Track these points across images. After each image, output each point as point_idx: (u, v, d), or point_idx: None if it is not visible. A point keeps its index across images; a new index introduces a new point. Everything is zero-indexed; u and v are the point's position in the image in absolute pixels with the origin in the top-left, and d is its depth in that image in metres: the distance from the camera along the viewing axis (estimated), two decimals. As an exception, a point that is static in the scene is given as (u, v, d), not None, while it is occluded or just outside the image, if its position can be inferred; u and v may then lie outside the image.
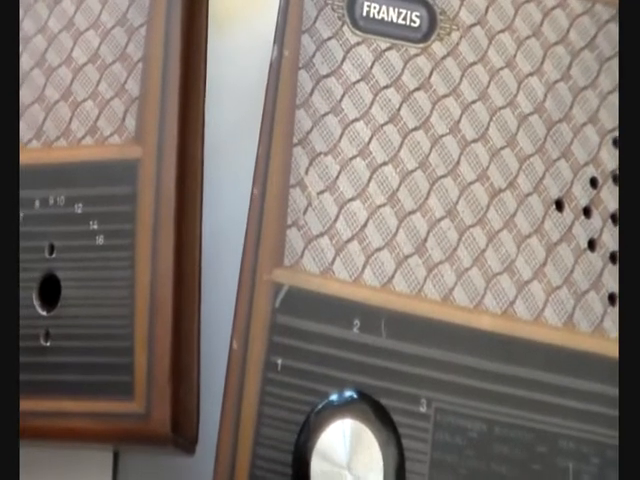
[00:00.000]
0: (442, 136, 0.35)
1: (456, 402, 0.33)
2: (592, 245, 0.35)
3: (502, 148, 0.35)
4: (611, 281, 0.35)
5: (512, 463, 0.32)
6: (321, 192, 0.35)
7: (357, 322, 0.33)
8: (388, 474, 0.30)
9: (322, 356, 0.33)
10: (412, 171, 0.35)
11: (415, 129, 0.35)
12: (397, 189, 0.35)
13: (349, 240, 0.34)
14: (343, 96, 0.35)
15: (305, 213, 0.34)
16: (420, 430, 0.33)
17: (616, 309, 0.35)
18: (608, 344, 0.34)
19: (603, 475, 0.33)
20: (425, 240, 0.34)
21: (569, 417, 0.33)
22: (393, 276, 0.34)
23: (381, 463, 0.30)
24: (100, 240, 0.35)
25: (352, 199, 0.35)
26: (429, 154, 0.35)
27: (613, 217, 0.36)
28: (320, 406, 0.31)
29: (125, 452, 0.41)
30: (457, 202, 0.35)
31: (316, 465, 0.30)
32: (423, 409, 0.33)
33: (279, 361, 0.32)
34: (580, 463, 0.33)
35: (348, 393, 0.32)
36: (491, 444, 0.33)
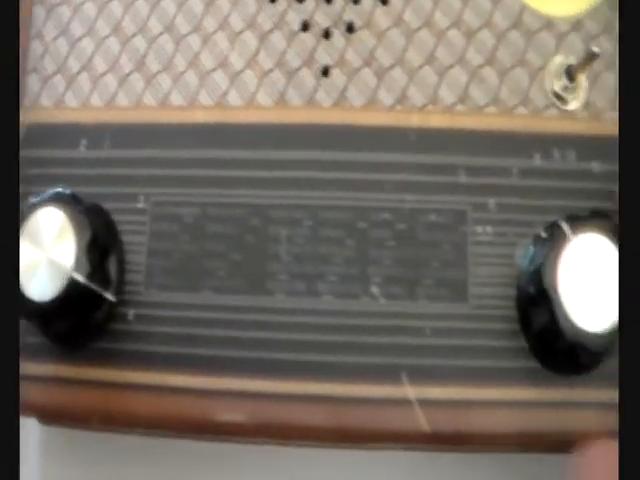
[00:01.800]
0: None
1: (172, 192, 0.34)
2: (306, 26, 0.35)
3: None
4: (324, 55, 0.35)
5: (226, 239, 0.33)
6: (55, 37, 0.38)
7: (84, 141, 0.35)
8: (80, 255, 0.32)
9: (55, 177, 0.36)
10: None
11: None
12: (121, 19, 0.37)
13: (78, 72, 0.37)
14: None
15: (43, 58, 0.38)
16: (139, 224, 0.34)
17: (329, 80, 0.34)
18: (319, 113, 0.34)
19: (316, 234, 0.32)
20: (144, 56, 0.36)
21: (275, 187, 0.33)
22: (116, 93, 0.36)
23: (74, 245, 0.32)
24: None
25: (81, 37, 0.37)
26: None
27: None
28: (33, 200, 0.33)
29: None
30: (175, 17, 0.37)
31: (23, 250, 0.32)
32: (141, 204, 0.34)
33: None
34: (293, 227, 0.33)
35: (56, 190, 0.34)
36: (204, 225, 0.33)
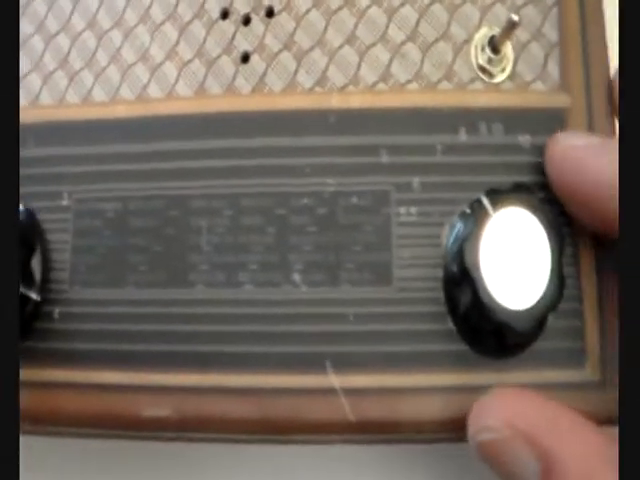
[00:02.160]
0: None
1: (94, 189, 0.33)
2: (225, 14, 0.35)
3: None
4: (243, 42, 0.34)
5: (146, 232, 0.32)
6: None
7: (10, 141, 0.35)
8: None
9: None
10: (58, -1, 0.37)
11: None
12: (45, 17, 0.37)
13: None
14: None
15: None
16: (62, 222, 0.33)
17: (248, 66, 0.34)
18: (238, 100, 0.33)
19: (236, 222, 0.32)
20: (68, 53, 0.36)
21: (198, 178, 0.32)
22: (39, 93, 0.36)
23: None
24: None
25: None
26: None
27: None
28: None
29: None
30: (97, 12, 0.36)
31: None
32: (65, 202, 0.34)
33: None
34: (213, 217, 0.32)
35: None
36: (126, 219, 0.33)
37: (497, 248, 0.28)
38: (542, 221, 0.28)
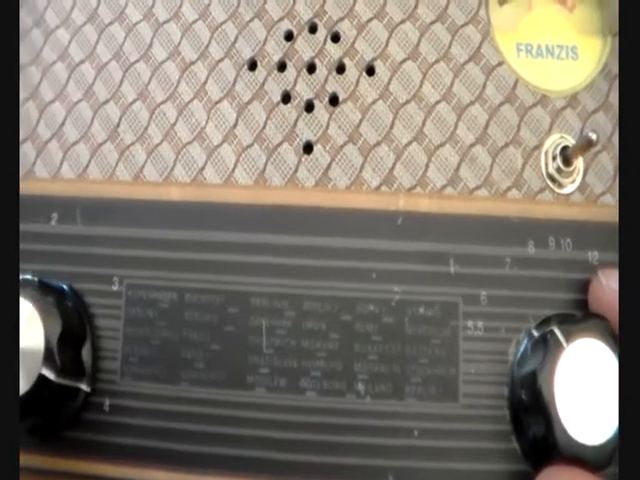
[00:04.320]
0: (136, 24, 0.36)
1: (147, 276, 0.32)
2: (287, 98, 0.34)
3: (193, 22, 0.35)
4: (306, 130, 0.33)
5: (203, 327, 0.31)
6: (25, 100, 0.36)
7: (55, 215, 0.34)
8: (50, 349, 0.30)
9: (25, 253, 0.34)
10: (107, 63, 0.35)
11: (111, 23, 0.36)
12: (92, 83, 0.35)
13: (48, 140, 0.35)
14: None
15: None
16: (113, 308, 0.32)
17: (311, 157, 0.33)
18: (301, 194, 0.32)
19: (298, 325, 0.31)
20: (118, 125, 0.34)
21: (259, 274, 0.32)
22: (88, 165, 0.34)
23: (44, 339, 0.30)
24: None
25: (51, 101, 0.35)
26: (123, 44, 0.35)
27: (309, 67, 0.34)
28: None
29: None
30: (149, 83, 0.35)
31: None
32: (115, 287, 0.32)
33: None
34: (275, 318, 0.31)
35: (23, 277, 0.32)
36: (182, 312, 0.32)
37: (571, 381, 0.28)
38: (615, 351, 0.28)
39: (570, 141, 0.32)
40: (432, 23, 0.33)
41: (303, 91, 0.33)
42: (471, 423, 0.30)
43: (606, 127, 0.32)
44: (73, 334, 0.31)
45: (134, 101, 0.34)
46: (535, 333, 0.29)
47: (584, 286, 0.31)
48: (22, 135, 0.35)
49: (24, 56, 0.36)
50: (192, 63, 0.34)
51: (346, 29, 0.33)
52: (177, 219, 0.32)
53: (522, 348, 0.30)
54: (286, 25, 0.34)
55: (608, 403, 0.28)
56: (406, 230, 0.31)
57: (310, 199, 0.32)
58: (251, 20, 0.34)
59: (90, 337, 0.32)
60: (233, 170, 0.33)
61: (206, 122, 0.34)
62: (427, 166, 0.32)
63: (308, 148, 0.33)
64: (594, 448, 0.27)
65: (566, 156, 0.31)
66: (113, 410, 0.31)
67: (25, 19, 0.36)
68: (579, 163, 0.32)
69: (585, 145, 0.30)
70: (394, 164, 0.32)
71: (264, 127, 0.33)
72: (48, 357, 0.30)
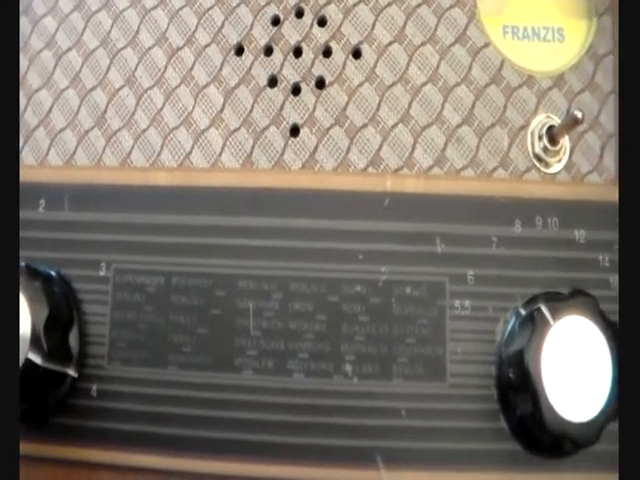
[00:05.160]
0: (123, 11, 0.36)
1: (134, 260, 0.32)
2: (273, 82, 0.34)
3: (180, 9, 0.35)
4: (293, 113, 0.33)
5: (191, 311, 0.31)
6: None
7: (42, 202, 0.33)
8: (37, 335, 0.30)
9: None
10: (94, 50, 0.35)
11: (99, 10, 0.36)
12: (79, 70, 0.35)
13: (35, 127, 0.35)
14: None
15: None
16: (100, 293, 0.32)
17: (298, 139, 0.33)
18: (288, 176, 0.32)
19: (285, 307, 0.31)
20: (105, 111, 0.34)
21: (246, 257, 0.31)
22: (75, 152, 0.34)
23: (30, 324, 0.30)
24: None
25: (39, 89, 0.35)
26: (110, 31, 0.35)
27: (295, 51, 0.34)
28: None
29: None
30: (136, 69, 0.34)
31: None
32: (102, 272, 0.32)
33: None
34: (262, 301, 0.31)
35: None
36: (169, 296, 0.32)
37: (558, 358, 0.27)
38: (602, 328, 0.28)
39: (556, 121, 0.32)
40: (418, 6, 0.33)
41: (290, 75, 0.33)
42: (459, 402, 0.29)
43: (592, 107, 0.32)
44: (60, 319, 0.31)
45: (121, 87, 0.34)
46: (522, 311, 0.29)
47: (571, 265, 0.30)
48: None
49: (11, 43, 0.36)
50: (179, 49, 0.34)
51: (332, 13, 0.33)
52: (164, 204, 0.32)
53: (509, 327, 0.29)
54: (273, 10, 0.34)
55: (595, 380, 0.27)
56: (393, 211, 0.31)
57: (297, 182, 0.32)
58: (238, 5, 0.34)
59: (77, 322, 0.32)
60: (220, 154, 0.33)
61: (193, 107, 0.33)
62: (414, 147, 0.32)
63: (295, 131, 0.33)
64: (581, 425, 0.27)
65: (552, 135, 0.31)
66: (101, 395, 0.31)
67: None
68: (565, 142, 0.32)
69: (571, 123, 0.30)
70: (381, 146, 0.32)
71: (251, 111, 0.33)
72: (35, 342, 0.30)
